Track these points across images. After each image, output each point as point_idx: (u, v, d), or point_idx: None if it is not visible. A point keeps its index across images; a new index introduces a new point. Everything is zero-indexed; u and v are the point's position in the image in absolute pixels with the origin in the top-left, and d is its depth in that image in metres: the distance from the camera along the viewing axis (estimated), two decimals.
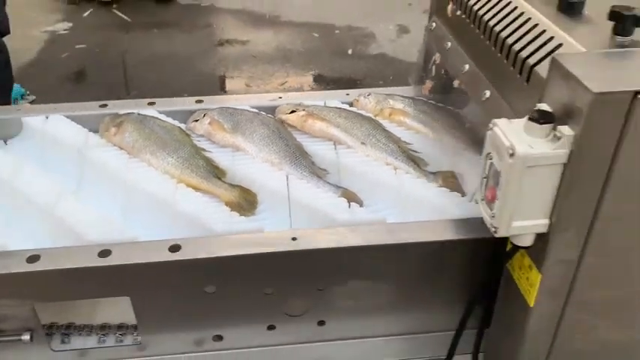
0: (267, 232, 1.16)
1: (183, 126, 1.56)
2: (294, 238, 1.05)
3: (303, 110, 1.59)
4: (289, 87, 4.00)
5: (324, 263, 1.06)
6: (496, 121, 0.84)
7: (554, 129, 0.80)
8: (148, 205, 1.29)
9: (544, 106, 0.82)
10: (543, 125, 0.80)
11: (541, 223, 0.85)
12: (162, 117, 1.58)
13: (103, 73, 4.16)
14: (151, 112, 1.57)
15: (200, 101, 1.66)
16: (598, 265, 0.87)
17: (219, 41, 4.67)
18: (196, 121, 1.59)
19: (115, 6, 5.34)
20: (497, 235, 0.87)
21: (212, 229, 1.18)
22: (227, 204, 1.31)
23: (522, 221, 0.85)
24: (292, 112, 1.60)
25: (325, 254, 1.04)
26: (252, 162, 1.43)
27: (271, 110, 1.64)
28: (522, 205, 0.83)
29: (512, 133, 0.81)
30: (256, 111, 1.63)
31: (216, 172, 1.39)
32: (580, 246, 0.85)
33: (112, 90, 3.84)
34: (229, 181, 1.37)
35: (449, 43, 1.42)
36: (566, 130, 0.79)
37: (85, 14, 5.19)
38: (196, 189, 1.34)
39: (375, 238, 1.05)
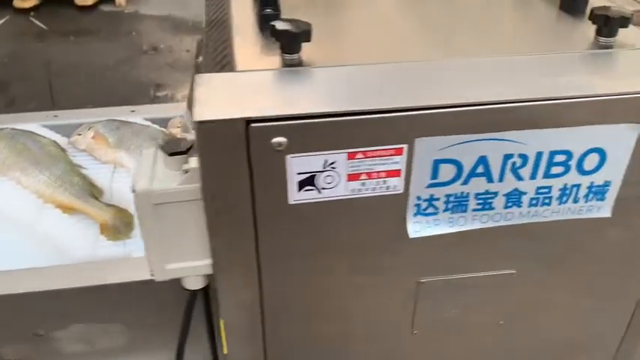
0: None
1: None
2: None
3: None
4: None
5: None
6: (144, 151, 0.75)
7: (187, 161, 0.71)
8: (9, 229, 1.18)
9: (180, 134, 0.72)
10: (175, 157, 0.71)
11: (204, 264, 0.74)
12: (46, 131, 1.47)
13: (12, 84, 3.94)
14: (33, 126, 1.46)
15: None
16: (283, 306, 0.76)
17: (138, 49, 4.52)
18: (80, 135, 1.48)
19: (32, 14, 5.09)
20: (156, 279, 0.76)
21: (74, 254, 1.09)
22: (101, 225, 1.22)
23: (179, 263, 0.75)
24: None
25: None
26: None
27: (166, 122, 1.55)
28: (173, 246, 0.73)
29: (152, 165, 0.72)
30: (148, 124, 1.53)
31: (92, 191, 1.29)
32: (255, 286, 0.73)
33: (23, 101, 3.63)
34: (106, 201, 1.28)
35: None
36: (193, 162, 0.70)
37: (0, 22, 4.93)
38: (69, 209, 1.24)
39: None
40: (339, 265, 0.73)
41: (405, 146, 0.64)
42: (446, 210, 0.70)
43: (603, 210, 0.73)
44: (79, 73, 4.16)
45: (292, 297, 0.76)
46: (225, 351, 0.81)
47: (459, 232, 0.72)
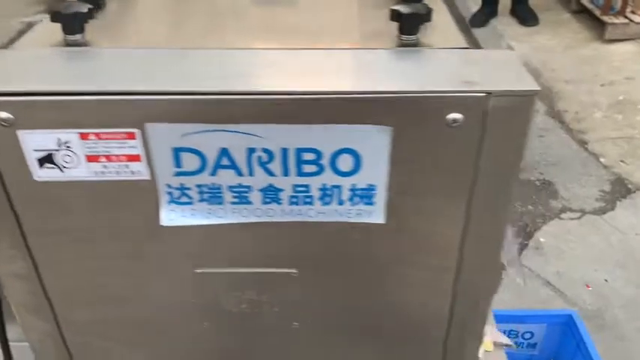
0: None
1: None
2: None
3: None
4: None
5: None
6: None
7: None
8: None
9: None
10: None
11: None
12: None
13: None
14: None
15: None
16: (67, 283, 0.76)
17: None
18: None
19: None
20: None
21: None
22: None
23: None
24: None
25: None
26: None
27: None
28: None
29: None
30: None
31: None
32: (27, 258, 0.73)
33: None
34: None
35: None
36: None
37: None
38: None
39: None
40: (102, 249, 0.73)
41: (136, 131, 0.63)
42: (202, 200, 0.69)
43: (376, 215, 0.70)
44: None
45: (72, 274, 0.77)
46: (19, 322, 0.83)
47: (234, 225, 0.71)
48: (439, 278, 0.75)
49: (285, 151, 0.65)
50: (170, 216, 0.70)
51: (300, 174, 0.67)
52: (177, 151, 0.65)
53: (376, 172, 0.67)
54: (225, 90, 0.62)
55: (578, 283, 2.33)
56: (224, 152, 0.65)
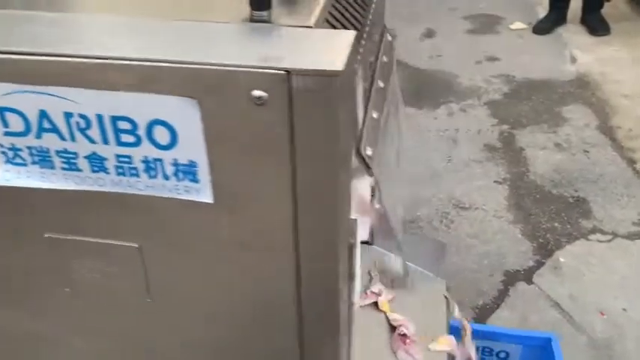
0: None
1: None
2: None
3: None
4: None
5: None
6: None
7: None
8: None
9: None
10: None
11: None
12: None
13: None
14: None
15: None
16: None
17: None
18: None
19: None
20: None
21: None
22: None
23: None
24: None
25: None
26: None
27: None
28: None
29: None
30: None
31: None
32: None
33: None
34: None
35: None
36: None
37: None
38: None
39: None
40: None
41: None
42: (34, 163, 0.70)
43: (203, 194, 0.68)
44: None
45: None
46: None
47: (79, 191, 0.72)
48: (278, 261, 0.72)
49: (100, 117, 0.64)
50: (6, 176, 0.71)
51: (120, 144, 0.66)
52: (1, 111, 0.66)
53: (194, 147, 0.65)
54: (35, 51, 0.62)
55: (591, 310, 2.16)
56: (43, 114, 0.65)
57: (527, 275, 2.31)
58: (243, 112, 0.61)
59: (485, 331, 1.63)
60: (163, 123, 0.64)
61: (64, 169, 0.70)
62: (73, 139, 0.67)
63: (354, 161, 0.78)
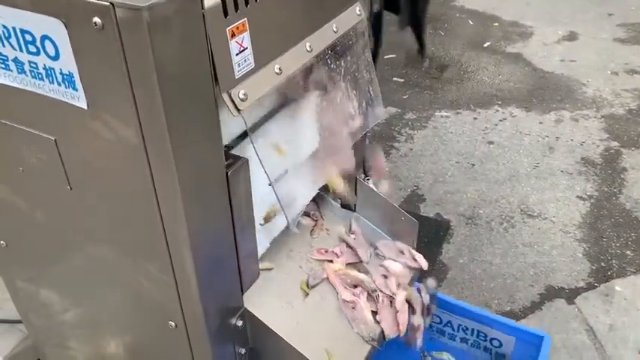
0: None
1: None
2: None
3: None
4: None
5: None
6: None
7: None
8: None
9: None
10: None
11: None
12: None
13: None
14: None
15: None
16: None
17: None
18: None
19: None
20: None
21: None
22: None
23: None
24: None
25: None
26: None
27: None
28: None
29: None
30: None
31: None
32: None
33: None
34: None
35: None
36: None
37: None
38: None
39: None
40: None
41: None
42: None
43: (81, 100, 0.86)
44: None
45: None
46: None
47: (16, 88, 0.94)
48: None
49: (14, 29, 0.85)
50: None
51: (28, 52, 0.86)
52: None
53: (70, 61, 0.83)
54: None
55: (629, 346, 1.99)
56: None
57: (571, 295, 2.18)
58: (93, 36, 0.77)
59: (480, 314, 1.62)
60: (49, 38, 0.83)
61: (2, 68, 0.92)
62: (3, 45, 0.89)
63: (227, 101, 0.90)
